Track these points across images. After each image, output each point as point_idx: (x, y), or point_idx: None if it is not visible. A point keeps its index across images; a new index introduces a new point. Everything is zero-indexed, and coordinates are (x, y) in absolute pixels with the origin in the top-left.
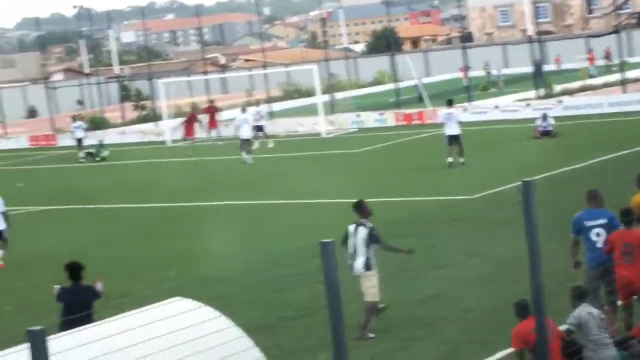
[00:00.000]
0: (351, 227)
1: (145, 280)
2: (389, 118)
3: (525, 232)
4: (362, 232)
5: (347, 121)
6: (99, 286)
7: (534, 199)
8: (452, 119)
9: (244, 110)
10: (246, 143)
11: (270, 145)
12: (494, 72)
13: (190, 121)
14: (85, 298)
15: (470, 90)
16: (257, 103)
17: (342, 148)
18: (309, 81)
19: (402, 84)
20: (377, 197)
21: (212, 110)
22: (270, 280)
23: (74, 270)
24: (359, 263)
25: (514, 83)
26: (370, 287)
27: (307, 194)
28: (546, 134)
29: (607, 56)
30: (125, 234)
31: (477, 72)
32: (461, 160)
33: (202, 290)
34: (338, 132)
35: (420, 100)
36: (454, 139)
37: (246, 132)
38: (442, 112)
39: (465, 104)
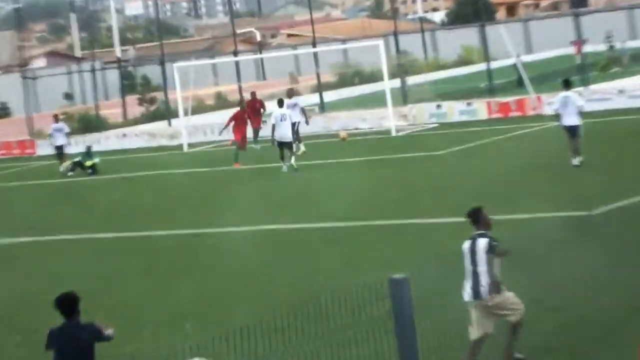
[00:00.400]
0: (465, 245)
1: (158, 336)
2: (480, 109)
3: None
4: (482, 243)
5: (424, 114)
6: (109, 331)
7: None
8: (570, 104)
9: (281, 103)
10: (286, 147)
11: (301, 151)
12: (618, 45)
13: (238, 119)
14: (84, 340)
15: (586, 70)
16: (302, 92)
17: (419, 149)
18: (372, 62)
19: (495, 64)
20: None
21: (254, 104)
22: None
23: (68, 303)
24: (484, 284)
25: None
26: (510, 305)
27: (378, 211)
28: None
29: None
30: (133, 272)
31: (595, 46)
32: (576, 161)
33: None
34: (413, 128)
35: (519, 84)
36: (571, 132)
37: (285, 133)
38: (558, 96)
39: (580, 89)
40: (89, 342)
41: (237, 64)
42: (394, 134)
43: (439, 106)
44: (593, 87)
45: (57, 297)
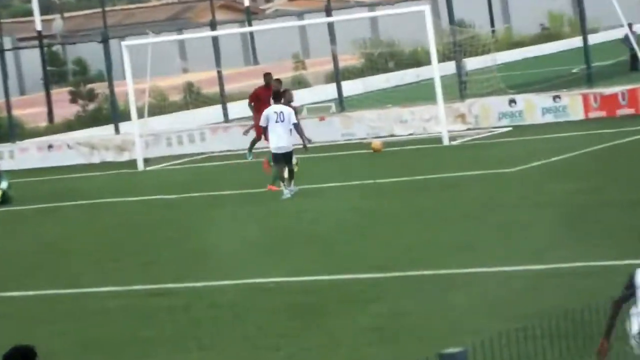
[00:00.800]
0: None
1: None
2: (573, 105)
3: None
4: None
5: (492, 113)
6: None
7: None
8: None
9: (277, 97)
10: (286, 160)
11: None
12: None
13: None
14: None
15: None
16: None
17: (483, 165)
18: (415, 36)
19: (596, 38)
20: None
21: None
22: None
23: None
24: None
25: None
26: None
27: (428, 257)
28: None
29: None
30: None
31: None
32: None
33: None
34: (474, 134)
35: (633, 68)
36: None
37: (282, 140)
38: None
39: None
40: None
41: (215, 41)
42: (446, 142)
43: (512, 102)
44: None
45: (9, 352)
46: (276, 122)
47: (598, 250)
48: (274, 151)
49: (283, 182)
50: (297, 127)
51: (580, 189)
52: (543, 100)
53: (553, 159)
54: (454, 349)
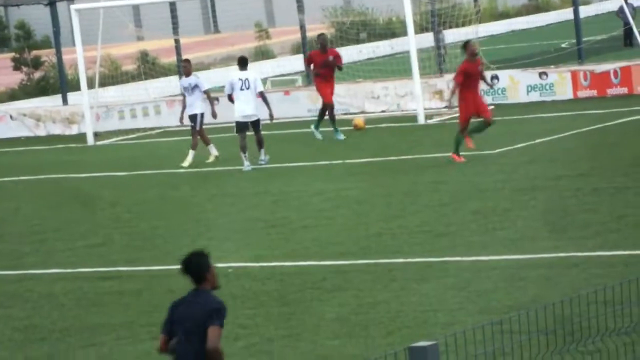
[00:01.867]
0: None
1: None
2: (560, 82)
3: None
4: None
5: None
6: None
7: None
8: None
9: (243, 63)
10: (243, 130)
11: (212, 155)
12: None
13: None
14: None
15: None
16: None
17: (463, 147)
18: (388, 4)
19: (587, 10)
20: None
21: (323, 58)
22: None
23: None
24: None
25: None
26: None
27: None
28: None
29: None
30: None
31: None
32: None
33: None
34: (452, 112)
35: (627, 43)
36: None
37: (249, 108)
38: None
39: None
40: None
41: (173, 7)
42: (422, 121)
43: (494, 78)
44: None
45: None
46: (241, 89)
47: (581, 240)
48: (238, 119)
49: (245, 153)
50: (263, 95)
51: (565, 174)
52: (528, 77)
53: (537, 141)
54: (424, 343)
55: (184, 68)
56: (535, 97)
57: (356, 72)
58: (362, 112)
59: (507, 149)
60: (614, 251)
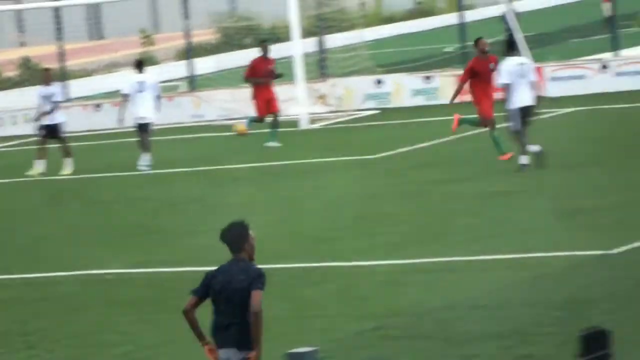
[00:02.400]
0: None
1: None
2: (445, 87)
3: None
4: None
5: (356, 94)
6: None
7: None
8: (525, 75)
9: (140, 65)
10: (145, 132)
11: (67, 168)
12: None
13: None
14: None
15: (615, 26)
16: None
17: (343, 151)
18: (275, 10)
19: (472, 15)
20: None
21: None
22: None
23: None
24: None
25: None
26: None
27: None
28: None
29: None
30: None
31: None
32: (524, 159)
33: None
34: (336, 117)
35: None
36: (525, 113)
37: (145, 110)
38: (508, 62)
39: (606, 55)
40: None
41: (56, 12)
42: (305, 125)
43: (379, 82)
44: (626, 52)
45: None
46: (139, 91)
47: (462, 244)
48: (136, 121)
49: (148, 151)
50: (159, 98)
51: (448, 178)
52: (413, 81)
53: (421, 145)
54: (303, 349)
55: (44, 77)
56: (420, 101)
57: (240, 77)
58: (246, 117)
59: (390, 154)
60: (495, 255)
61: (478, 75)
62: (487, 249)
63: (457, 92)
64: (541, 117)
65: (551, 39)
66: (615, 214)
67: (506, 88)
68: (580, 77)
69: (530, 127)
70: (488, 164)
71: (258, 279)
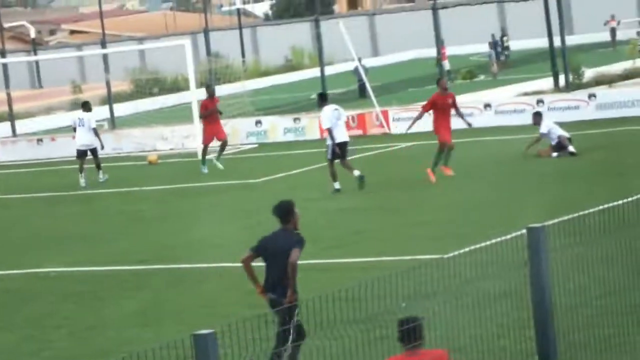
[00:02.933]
0: None
1: None
2: (310, 126)
3: None
4: None
5: (240, 132)
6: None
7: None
8: (340, 117)
9: (84, 105)
10: (82, 156)
11: None
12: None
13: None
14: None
15: (443, 77)
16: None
17: (230, 177)
18: (177, 66)
19: (332, 69)
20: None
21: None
22: None
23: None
24: None
25: (522, 64)
26: None
27: (176, 253)
28: (559, 149)
29: None
30: None
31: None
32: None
33: None
34: (225, 150)
35: (361, 95)
36: (342, 147)
37: (82, 139)
38: (326, 110)
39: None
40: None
41: (4, 67)
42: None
43: (258, 122)
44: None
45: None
46: (79, 125)
47: (329, 249)
48: (77, 147)
49: (81, 173)
50: (95, 130)
51: (315, 197)
52: (285, 121)
53: (293, 171)
54: (205, 331)
55: None
56: (290, 137)
57: (151, 118)
58: (155, 150)
59: (269, 178)
60: (353, 258)
61: (438, 109)
62: (347, 253)
63: (415, 120)
64: (388, 149)
65: (394, 87)
66: (448, 227)
67: (328, 130)
68: None
69: (350, 157)
70: (346, 185)
71: (298, 242)
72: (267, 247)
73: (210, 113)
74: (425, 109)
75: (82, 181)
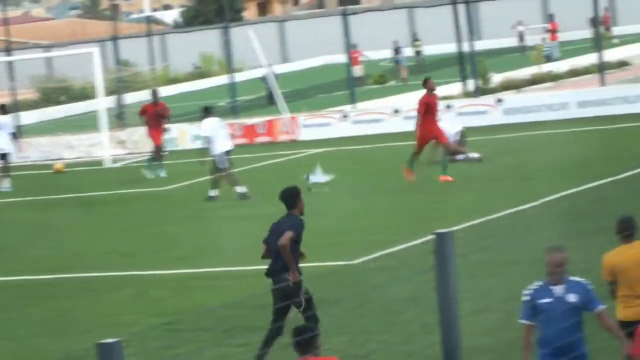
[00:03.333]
0: None
1: None
2: None
3: None
4: None
5: (148, 140)
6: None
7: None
8: (222, 128)
9: (4, 109)
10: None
11: None
12: (405, 52)
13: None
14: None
15: (352, 83)
16: None
17: (139, 185)
18: (85, 74)
19: (241, 76)
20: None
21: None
22: None
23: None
24: None
25: (435, 69)
26: None
27: (86, 262)
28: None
29: (605, 22)
30: None
31: (377, 53)
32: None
33: None
34: (133, 158)
35: (271, 101)
36: (227, 155)
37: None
38: (210, 121)
39: (346, 108)
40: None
41: None
42: (108, 165)
43: (166, 129)
44: (362, 105)
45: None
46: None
47: (238, 257)
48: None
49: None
50: (14, 134)
51: (222, 205)
52: (194, 128)
53: (201, 179)
54: (111, 340)
55: None
56: (199, 144)
57: (57, 127)
58: (61, 159)
59: (177, 186)
60: (262, 265)
61: (428, 108)
62: (256, 260)
63: (418, 123)
64: (297, 156)
65: (303, 94)
66: (356, 233)
67: (209, 140)
68: (326, 125)
69: (231, 166)
70: (257, 191)
71: (293, 225)
72: (272, 234)
73: (154, 117)
74: (421, 112)
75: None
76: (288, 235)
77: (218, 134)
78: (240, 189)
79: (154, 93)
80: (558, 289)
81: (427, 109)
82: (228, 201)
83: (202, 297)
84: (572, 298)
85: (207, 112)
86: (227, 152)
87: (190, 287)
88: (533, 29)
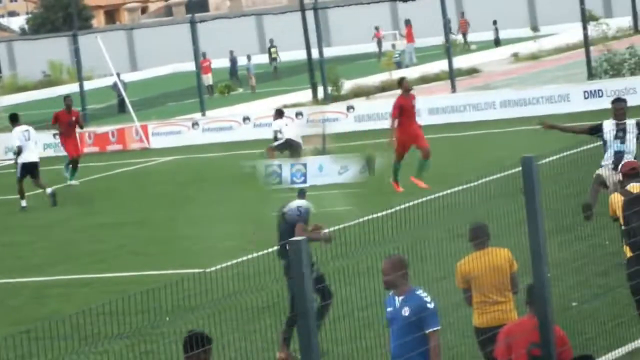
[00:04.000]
0: None
1: None
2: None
3: None
4: None
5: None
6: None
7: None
8: (30, 138)
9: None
10: None
11: None
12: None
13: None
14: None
15: (202, 91)
16: None
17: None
18: None
19: (90, 84)
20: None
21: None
22: None
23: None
24: None
25: (289, 75)
26: None
27: None
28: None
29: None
30: None
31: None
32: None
33: None
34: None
35: (121, 110)
36: (32, 167)
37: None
38: (17, 130)
39: (196, 116)
40: None
41: None
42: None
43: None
44: (212, 113)
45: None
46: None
47: (90, 264)
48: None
49: None
50: None
51: (79, 213)
52: (44, 137)
53: (55, 186)
54: None
55: None
56: (51, 152)
57: None
58: None
59: (31, 194)
60: (115, 273)
61: (404, 112)
62: (109, 267)
63: (392, 131)
64: (148, 164)
65: (153, 102)
66: (210, 240)
67: (19, 149)
68: (176, 133)
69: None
70: (111, 201)
71: (300, 217)
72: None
73: (67, 126)
74: (394, 116)
75: None
76: (300, 229)
77: (26, 145)
78: (23, 203)
79: (69, 101)
80: (398, 300)
81: (402, 112)
82: (85, 208)
83: (56, 305)
84: (405, 312)
85: (13, 119)
86: (33, 164)
87: (45, 294)
88: (387, 35)
